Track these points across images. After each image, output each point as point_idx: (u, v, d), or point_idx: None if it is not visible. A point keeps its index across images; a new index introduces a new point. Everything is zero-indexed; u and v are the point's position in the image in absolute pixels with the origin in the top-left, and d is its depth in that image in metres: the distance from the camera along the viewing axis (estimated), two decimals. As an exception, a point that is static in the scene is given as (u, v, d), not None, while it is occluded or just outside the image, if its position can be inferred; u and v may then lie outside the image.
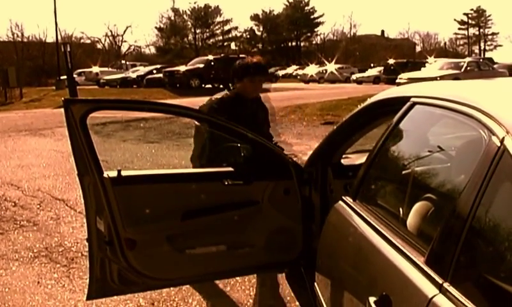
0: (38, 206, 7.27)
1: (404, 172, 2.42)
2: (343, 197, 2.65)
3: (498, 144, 1.55)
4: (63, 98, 3.18)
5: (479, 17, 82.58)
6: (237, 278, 4.42)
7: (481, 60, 36.16)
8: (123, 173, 3.23)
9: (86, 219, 3.24)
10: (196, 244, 3.37)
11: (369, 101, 3.00)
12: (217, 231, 3.40)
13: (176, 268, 3.36)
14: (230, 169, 3.51)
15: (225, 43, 78.97)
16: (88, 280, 3.31)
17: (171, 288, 4.24)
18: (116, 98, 16.80)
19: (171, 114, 3.76)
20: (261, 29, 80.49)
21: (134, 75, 39.76)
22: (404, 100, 2.42)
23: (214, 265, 3.45)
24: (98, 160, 3.10)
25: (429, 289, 1.57)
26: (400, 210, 2.19)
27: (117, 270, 3.22)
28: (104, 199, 3.10)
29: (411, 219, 2.04)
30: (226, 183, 3.38)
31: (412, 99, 2.34)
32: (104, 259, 3.21)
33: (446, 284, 1.52)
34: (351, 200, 2.54)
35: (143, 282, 3.31)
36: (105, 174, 3.12)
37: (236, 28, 79.68)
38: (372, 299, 1.78)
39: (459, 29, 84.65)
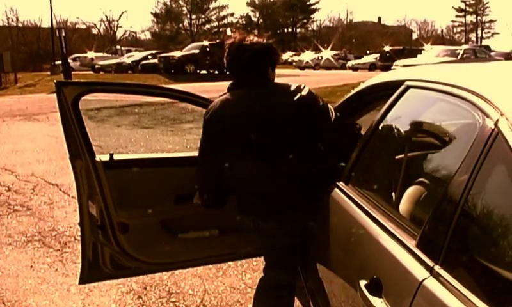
0: (32, 190, 7.24)
1: (397, 156, 2.41)
2: (335, 182, 2.63)
3: (492, 127, 1.53)
4: (55, 81, 3.13)
5: (476, 4, 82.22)
6: (230, 263, 4.42)
7: (478, 47, 36.15)
8: (116, 157, 3.21)
9: (78, 203, 3.22)
10: (189, 228, 3.36)
11: (363, 85, 2.98)
12: (210, 215, 3.38)
13: (169, 252, 3.34)
14: None
15: (221, 29, 78.57)
16: (80, 264, 3.30)
17: (164, 273, 4.24)
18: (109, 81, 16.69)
19: (164, 97, 3.71)
20: (257, 15, 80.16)
21: (129, 61, 39.43)
22: (398, 83, 2.40)
23: (207, 249, 3.44)
24: (90, 144, 3.07)
25: (419, 272, 1.56)
26: (393, 194, 2.18)
27: (109, 254, 3.21)
28: (96, 183, 3.08)
29: (404, 203, 2.03)
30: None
31: (406, 82, 2.32)
32: (96, 243, 3.20)
33: (437, 267, 1.51)
34: (344, 184, 2.52)
35: (136, 266, 3.30)
36: (97, 158, 3.10)
37: (232, 14, 79.36)
38: (362, 283, 1.77)
39: (457, 16, 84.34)
